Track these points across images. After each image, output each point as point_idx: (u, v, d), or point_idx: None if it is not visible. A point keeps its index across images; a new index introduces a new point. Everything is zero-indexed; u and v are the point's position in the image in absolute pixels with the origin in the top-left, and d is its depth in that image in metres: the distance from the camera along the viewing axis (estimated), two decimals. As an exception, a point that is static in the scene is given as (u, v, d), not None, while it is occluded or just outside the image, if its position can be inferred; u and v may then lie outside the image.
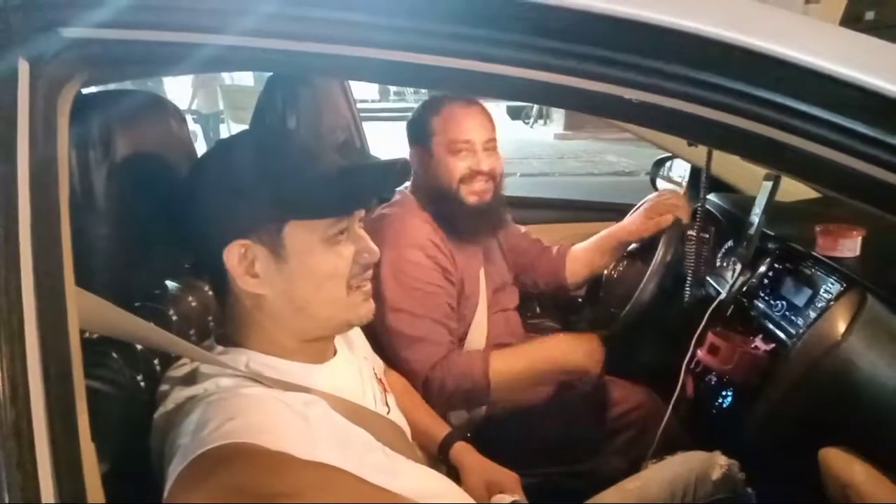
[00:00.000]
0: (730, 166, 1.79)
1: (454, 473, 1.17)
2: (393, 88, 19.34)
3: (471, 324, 1.51)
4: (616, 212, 1.91)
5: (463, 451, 1.20)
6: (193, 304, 0.97)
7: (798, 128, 0.52)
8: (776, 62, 0.52)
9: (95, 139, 0.79)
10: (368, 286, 0.88)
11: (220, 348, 0.84)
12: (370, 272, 0.88)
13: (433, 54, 0.56)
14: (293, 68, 1.22)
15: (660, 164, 2.23)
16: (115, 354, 0.81)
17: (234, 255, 0.79)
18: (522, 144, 12.27)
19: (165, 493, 0.66)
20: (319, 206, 0.79)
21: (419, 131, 1.51)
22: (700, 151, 1.37)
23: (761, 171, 1.50)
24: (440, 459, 1.20)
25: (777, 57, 0.52)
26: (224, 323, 0.88)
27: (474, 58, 0.56)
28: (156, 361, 0.87)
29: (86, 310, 0.65)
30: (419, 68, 0.58)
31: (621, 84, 0.54)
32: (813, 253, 1.29)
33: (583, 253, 1.72)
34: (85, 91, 0.82)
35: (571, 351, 1.45)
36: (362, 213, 0.87)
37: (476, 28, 0.55)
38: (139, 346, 0.84)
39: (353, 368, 0.96)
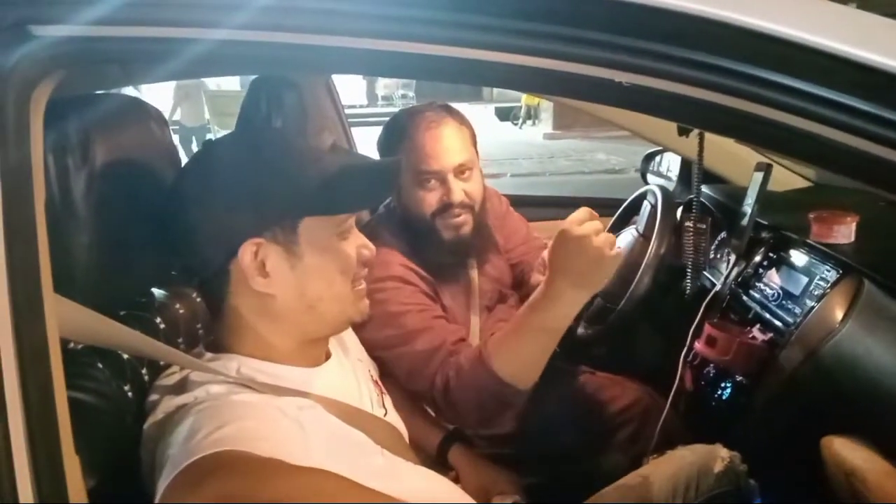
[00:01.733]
0: (721, 157, 1.78)
1: (453, 475, 1.15)
2: (381, 93, 19.34)
3: None
4: (608, 207, 1.90)
5: (461, 453, 1.19)
6: (181, 311, 0.95)
7: (791, 105, 0.51)
8: (768, 39, 0.51)
9: (73, 144, 0.76)
10: (364, 283, 0.88)
11: (209, 355, 0.82)
12: (367, 269, 0.88)
13: (419, 42, 0.55)
14: (281, 66, 1.21)
15: (649, 158, 2.22)
16: (100, 364, 0.79)
17: (247, 255, 0.77)
18: (512, 145, 12.30)
19: None
20: (336, 202, 0.80)
21: (386, 156, 1.36)
22: (690, 143, 1.36)
23: (752, 161, 1.50)
24: (438, 461, 1.18)
25: (768, 34, 0.51)
26: (214, 329, 0.86)
27: (461, 44, 0.55)
28: (144, 371, 0.84)
29: (68, 319, 0.63)
30: (404, 57, 0.56)
31: (612, 67, 0.53)
32: (807, 241, 1.28)
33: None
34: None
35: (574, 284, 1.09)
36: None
37: (462, 13, 0.54)
38: (126, 356, 0.82)
39: (348, 371, 0.94)
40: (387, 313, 1.22)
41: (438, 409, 1.20)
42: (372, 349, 1.15)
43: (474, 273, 1.46)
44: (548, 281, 1.02)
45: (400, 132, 1.32)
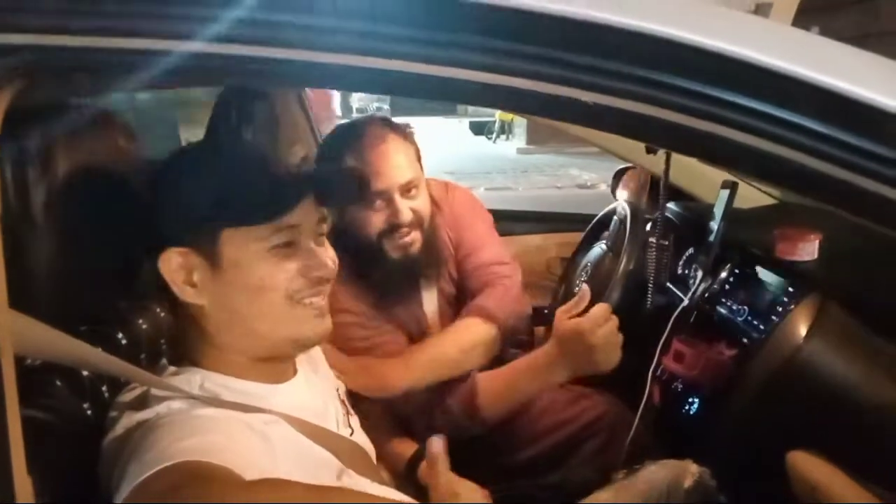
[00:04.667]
0: (688, 175, 1.81)
1: (423, 491, 1.14)
2: (355, 105, 19.33)
3: None
4: (578, 222, 1.92)
5: (431, 468, 1.17)
6: (144, 326, 0.92)
7: (754, 127, 0.52)
8: (732, 62, 0.52)
9: (33, 154, 0.75)
10: (321, 303, 0.83)
11: (172, 369, 0.81)
12: (324, 288, 0.84)
13: (394, 59, 0.55)
14: (253, 79, 1.19)
15: (619, 174, 2.25)
16: (59, 382, 0.76)
17: (170, 263, 0.77)
18: (486, 159, 12.38)
19: None
20: (248, 212, 0.76)
21: None
22: (658, 160, 1.38)
23: (718, 178, 1.52)
24: (408, 478, 1.17)
25: (731, 57, 0.52)
26: (177, 342, 0.85)
27: (434, 62, 0.55)
28: (104, 388, 0.82)
29: (25, 334, 0.61)
30: (378, 73, 0.56)
31: (578, 87, 0.53)
32: (772, 257, 1.30)
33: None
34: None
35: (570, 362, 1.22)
36: (321, 227, 0.84)
37: (435, 32, 0.54)
38: (86, 373, 0.80)
39: (315, 389, 0.93)
40: (341, 346, 1.21)
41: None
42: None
43: (426, 290, 1.43)
44: (553, 357, 1.13)
45: (340, 148, 1.26)
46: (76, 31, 0.57)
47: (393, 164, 1.24)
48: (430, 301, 1.42)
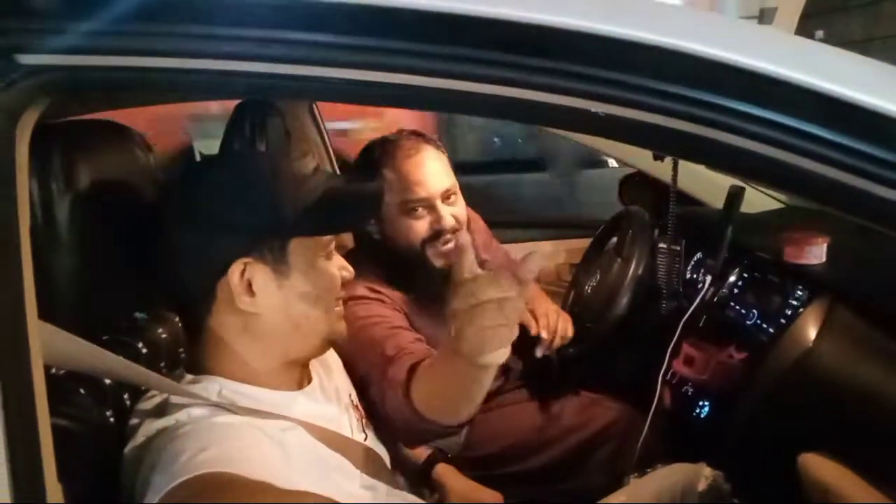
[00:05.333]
0: (695, 180, 1.82)
1: (437, 497, 1.15)
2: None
3: None
4: (586, 228, 1.93)
5: (445, 473, 1.18)
6: (163, 335, 0.94)
7: (761, 134, 0.53)
8: (738, 71, 0.53)
9: (57, 169, 0.77)
10: (341, 306, 0.90)
11: (190, 377, 0.82)
12: (345, 292, 0.90)
13: (403, 72, 0.56)
14: (265, 94, 1.21)
15: (627, 180, 2.25)
16: (82, 391, 0.78)
17: (236, 274, 0.78)
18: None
19: None
20: (325, 223, 0.83)
21: None
22: (665, 167, 1.39)
23: (725, 183, 1.53)
24: (422, 483, 1.18)
25: (738, 66, 0.53)
26: (194, 351, 0.86)
27: (445, 76, 0.56)
28: (125, 396, 0.84)
29: (51, 344, 0.63)
30: (386, 87, 0.58)
31: (587, 97, 0.55)
32: (780, 261, 1.31)
33: None
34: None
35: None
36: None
37: (446, 46, 0.56)
38: (108, 381, 0.81)
39: (331, 395, 0.94)
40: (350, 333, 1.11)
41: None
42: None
43: None
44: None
45: (377, 163, 1.28)
46: (101, 51, 0.58)
47: (431, 172, 1.27)
48: None
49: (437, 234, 1.27)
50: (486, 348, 0.75)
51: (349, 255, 1.31)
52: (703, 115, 0.55)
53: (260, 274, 0.79)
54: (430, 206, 1.27)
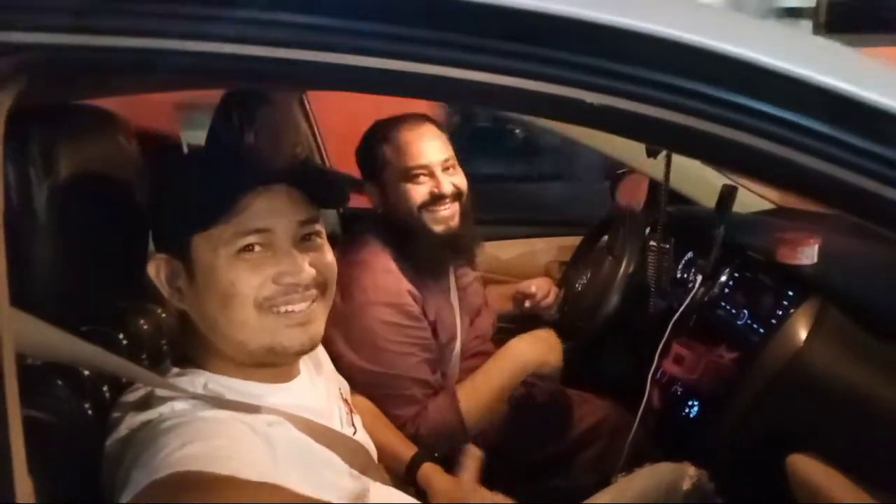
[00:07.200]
0: (687, 179, 1.81)
1: (422, 495, 1.14)
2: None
3: (449, 367, 1.42)
4: (578, 225, 1.92)
5: (430, 472, 1.17)
6: (145, 327, 0.92)
7: (758, 128, 0.52)
8: (736, 64, 0.52)
9: (35, 154, 0.75)
10: (300, 312, 0.79)
11: (175, 370, 0.81)
12: (300, 295, 0.79)
13: (395, 59, 0.55)
14: (259, 80, 1.19)
15: (618, 178, 2.25)
16: (59, 382, 0.76)
17: (155, 269, 0.79)
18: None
19: None
20: (204, 214, 0.75)
21: (369, 164, 1.40)
22: (658, 164, 1.39)
23: (717, 182, 1.53)
24: (407, 481, 1.17)
25: (737, 58, 0.52)
26: (179, 344, 0.85)
27: (435, 62, 0.55)
28: (105, 388, 0.82)
29: (26, 333, 0.61)
30: (383, 74, 0.56)
31: (580, 87, 0.54)
32: (772, 261, 1.30)
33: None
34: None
35: (532, 352, 1.39)
36: (305, 229, 0.81)
37: (437, 32, 0.54)
38: (86, 373, 0.80)
39: (319, 388, 0.93)
40: (375, 346, 1.28)
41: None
42: (349, 371, 1.18)
43: (455, 283, 1.49)
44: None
45: (382, 137, 1.37)
46: (81, 30, 0.56)
47: (431, 143, 1.35)
48: (454, 295, 1.47)
49: (435, 199, 1.34)
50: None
51: (354, 233, 1.42)
52: (699, 107, 0.53)
53: (177, 270, 0.79)
54: (431, 174, 1.34)
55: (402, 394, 1.29)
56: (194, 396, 0.75)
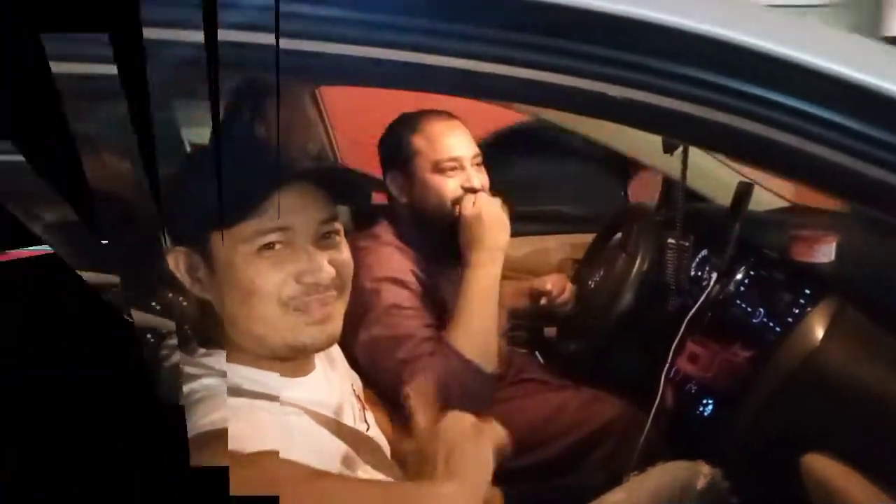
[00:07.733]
0: (702, 177, 1.80)
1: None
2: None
3: None
4: (591, 222, 1.91)
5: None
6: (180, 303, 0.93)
7: (784, 123, 0.51)
8: (763, 58, 0.51)
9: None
10: (320, 310, 0.79)
11: (202, 350, 0.81)
12: (322, 295, 0.79)
13: (416, 51, 0.55)
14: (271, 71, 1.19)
15: (633, 175, 2.24)
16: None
17: (174, 261, 0.78)
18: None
19: None
20: (225, 213, 0.74)
21: (395, 153, 1.37)
22: (674, 161, 1.38)
23: (732, 180, 1.51)
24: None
25: (764, 53, 0.51)
26: (202, 329, 0.84)
27: (457, 55, 0.55)
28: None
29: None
30: (401, 66, 0.56)
31: (605, 80, 0.53)
32: (788, 259, 1.29)
33: None
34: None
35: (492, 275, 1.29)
36: (325, 227, 0.80)
37: (457, 24, 0.54)
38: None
39: (333, 383, 0.93)
40: (376, 313, 1.24)
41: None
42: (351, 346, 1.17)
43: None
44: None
45: (412, 127, 1.35)
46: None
47: (464, 136, 1.35)
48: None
49: (466, 194, 1.32)
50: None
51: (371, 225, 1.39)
52: (721, 99, 0.53)
53: (199, 263, 0.78)
54: (462, 167, 1.33)
55: (403, 357, 1.21)
56: (222, 375, 0.75)
